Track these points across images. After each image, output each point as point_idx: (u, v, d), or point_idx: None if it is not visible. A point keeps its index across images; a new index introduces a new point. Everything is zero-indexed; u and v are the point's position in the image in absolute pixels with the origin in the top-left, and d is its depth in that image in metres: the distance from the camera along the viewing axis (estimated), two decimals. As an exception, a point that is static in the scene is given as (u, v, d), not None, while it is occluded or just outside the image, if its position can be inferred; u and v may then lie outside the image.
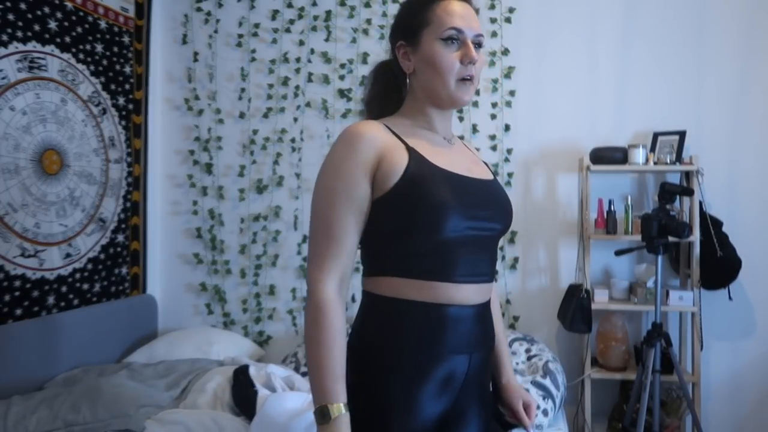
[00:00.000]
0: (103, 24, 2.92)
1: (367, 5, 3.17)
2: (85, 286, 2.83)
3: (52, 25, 2.62)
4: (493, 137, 3.11)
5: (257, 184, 3.27)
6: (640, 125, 3.00)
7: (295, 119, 3.25)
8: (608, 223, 2.85)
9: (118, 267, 3.05)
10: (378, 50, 3.10)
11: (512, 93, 3.09)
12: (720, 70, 2.95)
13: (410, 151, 1.15)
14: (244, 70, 3.27)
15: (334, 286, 1.10)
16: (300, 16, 3.23)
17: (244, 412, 2.24)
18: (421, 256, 1.13)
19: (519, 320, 3.08)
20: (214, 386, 2.38)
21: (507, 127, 3.09)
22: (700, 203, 2.80)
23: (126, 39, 3.09)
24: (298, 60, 3.24)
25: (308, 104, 3.23)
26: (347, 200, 1.11)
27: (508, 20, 3.07)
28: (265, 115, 3.26)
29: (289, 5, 3.24)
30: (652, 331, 2.49)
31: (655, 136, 2.91)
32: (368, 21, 3.18)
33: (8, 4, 2.40)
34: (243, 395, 2.29)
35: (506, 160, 3.10)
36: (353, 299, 2.91)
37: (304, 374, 2.63)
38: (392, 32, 1.26)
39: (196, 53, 3.32)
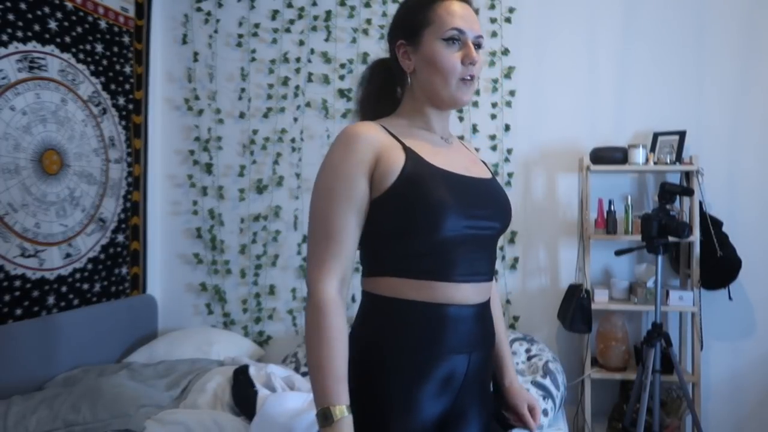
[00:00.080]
0: (103, 24, 2.92)
1: (367, 5, 3.17)
2: (85, 286, 2.83)
3: (52, 25, 2.62)
4: (493, 137, 3.11)
5: (257, 184, 3.27)
6: (640, 125, 3.00)
7: (295, 119, 3.25)
8: (608, 223, 2.85)
9: (118, 267, 3.05)
10: (378, 50, 3.10)
11: (512, 93, 3.09)
12: (720, 70, 2.96)
13: (407, 151, 1.15)
14: (244, 70, 3.27)
15: (334, 286, 1.09)
16: (300, 16, 3.23)
17: (244, 412, 2.24)
18: (419, 255, 1.13)
19: (519, 320, 3.08)
20: (214, 386, 2.38)
21: (507, 127, 3.10)
22: (700, 203, 2.80)
23: (126, 39, 3.09)
24: (298, 60, 3.24)
25: (308, 104, 3.23)
26: (346, 200, 1.11)
27: (508, 20, 3.07)
28: (265, 115, 3.26)
29: (289, 5, 3.24)
30: (652, 331, 2.49)
31: (655, 136, 2.91)
32: (368, 21, 3.18)
33: (8, 4, 2.40)
34: (243, 395, 2.29)
35: (506, 160, 3.10)
36: (353, 299, 2.91)
37: (304, 374, 2.63)
38: (392, 31, 1.26)
39: (196, 53, 3.32)
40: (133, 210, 3.16)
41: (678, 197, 2.86)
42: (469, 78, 1.17)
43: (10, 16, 2.42)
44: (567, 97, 3.06)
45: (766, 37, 2.93)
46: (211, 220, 3.30)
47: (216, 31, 3.31)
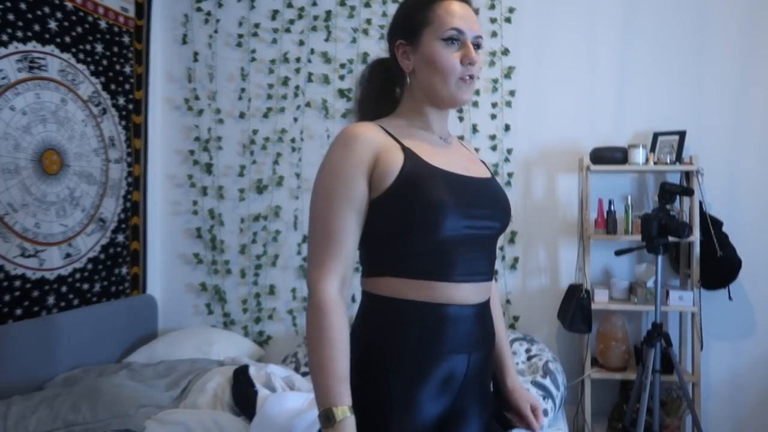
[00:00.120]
0: (103, 24, 2.92)
1: (367, 5, 3.17)
2: (85, 286, 2.83)
3: (52, 25, 2.62)
4: (493, 137, 3.11)
5: (257, 184, 3.27)
6: (640, 125, 3.00)
7: (295, 119, 3.25)
8: (608, 223, 2.85)
9: (118, 267, 3.05)
10: (378, 50, 3.10)
11: (512, 93, 3.09)
12: (720, 70, 2.96)
13: (406, 151, 1.15)
14: (244, 70, 3.28)
15: (335, 286, 1.09)
16: (300, 16, 3.23)
17: (244, 412, 2.24)
18: (419, 255, 1.13)
19: (519, 320, 3.08)
20: (214, 386, 2.38)
21: (507, 127, 3.10)
22: (700, 203, 2.79)
23: (126, 39, 3.09)
24: (298, 60, 3.24)
25: (308, 104, 3.23)
26: (345, 201, 1.11)
27: (508, 20, 3.07)
28: (265, 115, 3.26)
29: (289, 5, 3.24)
30: (652, 331, 2.49)
31: (655, 136, 2.91)
32: (368, 21, 3.18)
33: (8, 4, 2.40)
34: (243, 395, 2.29)
35: (506, 160, 3.10)
36: (353, 299, 2.91)
37: (304, 374, 2.63)
38: (391, 31, 1.26)
39: (196, 53, 3.32)
40: (133, 210, 3.16)
41: (678, 197, 2.86)
42: (468, 77, 1.17)
43: (10, 16, 2.42)
44: (567, 97, 3.06)
45: (766, 37, 2.93)
46: (211, 220, 3.31)
47: (216, 31, 3.31)
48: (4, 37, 2.39)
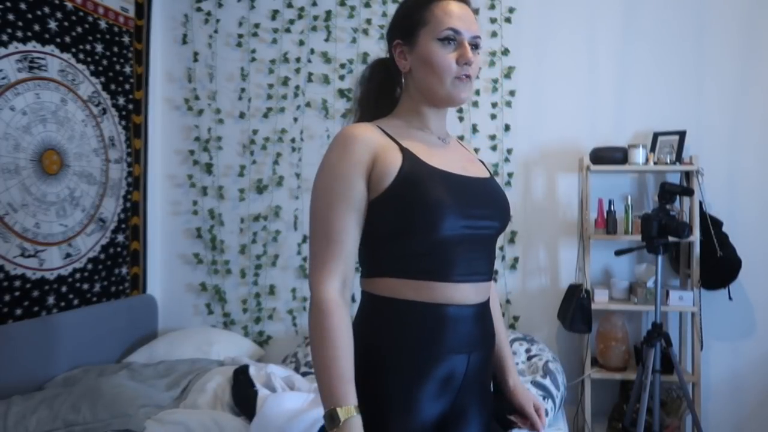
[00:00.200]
0: (103, 24, 2.92)
1: (367, 5, 3.17)
2: (85, 286, 2.83)
3: (52, 25, 2.62)
4: (493, 137, 3.11)
5: (257, 184, 3.27)
6: (640, 125, 3.00)
7: (295, 119, 3.25)
8: (608, 223, 2.85)
9: (118, 267, 3.05)
10: (378, 50, 3.10)
11: (512, 93, 3.09)
12: (720, 70, 2.96)
13: (404, 151, 1.15)
14: (244, 70, 3.28)
15: (336, 287, 1.10)
16: (300, 16, 3.23)
17: (244, 412, 2.24)
18: (418, 256, 1.13)
19: (519, 320, 3.08)
20: (214, 386, 2.38)
21: (507, 127, 3.10)
22: (700, 203, 2.80)
23: (126, 39, 3.09)
24: (298, 60, 3.24)
25: (308, 104, 3.23)
26: (345, 201, 1.11)
27: (508, 20, 3.07)
28: (265, 115, 3.26)
29: (289, 5, 3.24)
30: (652, 331, 2.49)
31: (655, 136, 2.91)
32: (368, 21, 3.18)
33: (8, 4, 2.40)
34: (243, 395, 2.29)
35: (506, 160, 3.10)
36: (353, 299, 2.91)
37: (304, 374, 2.64)
38: (389, 30, 1.26)
39: (196, 53, 3.32)
40: (133, 210, 3.16)
41: (678, 197, 2.86)
42: (464, 77, 1.17)
43: (10, 16, 2.42)
44: (567, 97, 3.06)
45: (766, 37, 2.93)
46: (211, 220, 3.31)
47: (216, 31, 3.31)
48: (4, 37, 2.39)
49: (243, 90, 3.28)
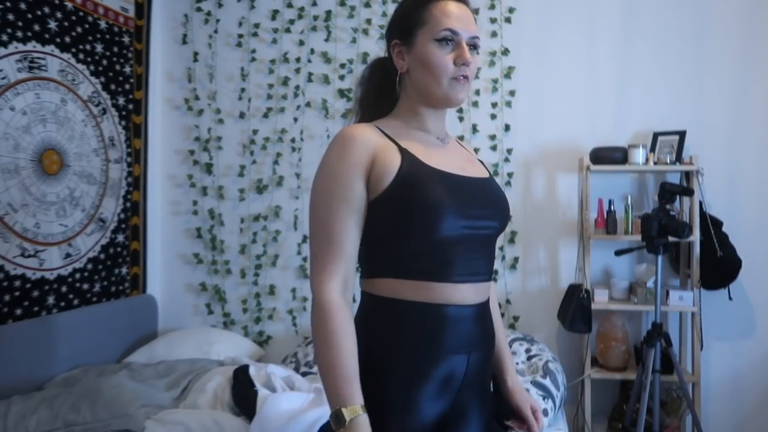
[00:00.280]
0: (103, 24, 2.92)
1: (367, 5, 3.17)
2: (85, 286, 2.83)
3: (52, 25, 2.62)
4: (493, 137, 3.11)
5: (257, 184, 3.27)
6: (640, 125, 3.00)
7: (295, 119, 3.25)
8: (608, 223, 2.85)
9: (118, 267, 3.05)
10: (378, 50, 3.10)
11: (512, 93, 3.09)
12: (720, 70, 2.95)
13: (403, 152, 1.15)
14: (244, 70, 3.28)
15: (337, 288, 1.10)
16: (300, 16, 3.23)
17: (244, 412, 2.24)
18: (417, 256, 1.13)
19: (519, 320, 3.08)
20: (214, 386, 2.38)
21: (507, 127, 3.10)
22: (700, 203, 2.79)
23: (126, 39, 3.09)
24: (298, 60, 3.24)
25: (308, 104, 3.23)
26: (344, 202, 1.11)
27: (508, 20, 3.06)
28: (265, 115, 3.26)
29: (289, 5, 3.24)
30: (652, 331, 2.49)
31: (655, 136, 2.91)
32: (368, 21, 3.18)
33: (8, 4, 2.40)
34: (243, 395, 2.29)
35: (506, 160, 3.10)
36: (353, 299, 2.90)
37: (304, 374, 2.64)
38: (388, 30, 1.26)
39: (196, 53, 3.32)
40: (133, 210, 3.16)
41: (678, 197, 2.86)
42: (462, 77, 1.17)
43: (10, 16, 2.42)
44: (567, 97, 3.06)
45: (766, 37, 2.93)
46: (211, 220, 3.31)
47: (216, 31, 3.31)
48: (4, 37, 2.39)
49: (243, 90, 3.28)
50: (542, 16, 3.07)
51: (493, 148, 3.10)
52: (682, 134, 2.82)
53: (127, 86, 3.10)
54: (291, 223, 3.26)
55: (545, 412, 2.38)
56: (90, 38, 2.84)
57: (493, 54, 3.07)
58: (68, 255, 2.72)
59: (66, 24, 2.70)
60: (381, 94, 1.29)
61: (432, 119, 1.24)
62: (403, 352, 1.13)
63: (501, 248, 3.08)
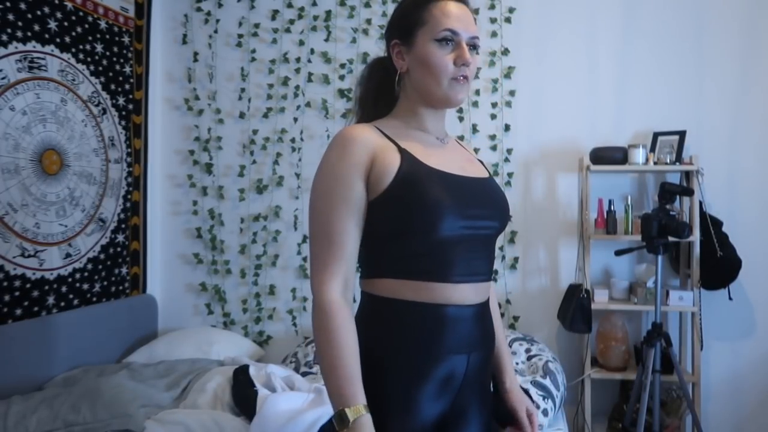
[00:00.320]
0: (103, 24, 2.92)
1: (367, 5, 3.17)
2: (85, 286, 2.83)
3: (52, 25, 2.62)
4: (493, 137, 3.11)
5: (257, 184, 3.27)
6: (640, 125, 3.00)
7: (295, 119, 3.25)
8: (608, 223, 2.85)
9: (118, 267, 3.05)
10: (377, 50, 3.10)
11: (512, 93, 3.09)
12: (720, 70, 2.95)
13: (402, 152, 1.15)
14: (244, 70, 3.28)
15: (338, 289, 1.10)
16: (300, 16, 3.23)
17: (244, 412, 2.24)
18: (417, 256, 1.13)
19: (519, 320, 3.08)
20: (214, 386, 2.39)
21: (507, 127, 3.10)
22: (700, 203, 2.79)
23: (126, 39, 3.09)
24: (298, 60, 3.24)
25: (308, 104, 3.23)
26: (344, 202, 1.11)
27: (508, 20, 3.06)
28: (265, 115, 3.26)
29: (289, 5, 3.24)
30: (652, 331, 2.49)
31: (655, 136, 2.91)
32: (368, 21, 3.18)
33: (8, 4, 2.40)
34: (243, 395, 2.29)
35: (506, 160, 3.10)
36: (353, 299, 2.90)
37: (304, 374, 2.64)
38: (387, 30, 1.26)
39: (196, 53, 3.32)
40: (133, 210, 3.16)
41: (678, 197, 2.86)
42: (461, 78, 1.17)
43: (10, 16, 2.42)
44: (567, 97, 3.06)
45: (766, 37, 2.93)
46: (211, 220, 3.31)
47: (216, 31, 3.31)
48: (4, 37, 2.39)
49: (243, 90, 3.28)
50: (542, 16, 3.07)
51: (493, 148, 3.10)
52: (682, 134, 2.82)
53: (127, 86, 3.10)
54: (291, 223, 3.26)
55: (545, 412, 2.38)
56: (90, 38, 2.84)
57: (493, 54, 3.07)
58: (68, 255, 2.72)
59: (66, 24, 2.70)
60: (380, 94, 1.29)
61: (431, 119, 1.24)
62: (403, 352, 1.13)
63: (501, 248, 3.08)
